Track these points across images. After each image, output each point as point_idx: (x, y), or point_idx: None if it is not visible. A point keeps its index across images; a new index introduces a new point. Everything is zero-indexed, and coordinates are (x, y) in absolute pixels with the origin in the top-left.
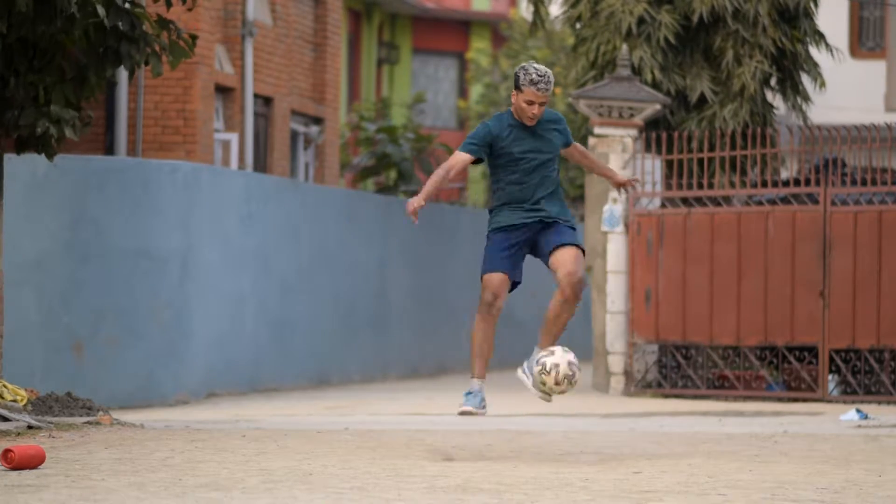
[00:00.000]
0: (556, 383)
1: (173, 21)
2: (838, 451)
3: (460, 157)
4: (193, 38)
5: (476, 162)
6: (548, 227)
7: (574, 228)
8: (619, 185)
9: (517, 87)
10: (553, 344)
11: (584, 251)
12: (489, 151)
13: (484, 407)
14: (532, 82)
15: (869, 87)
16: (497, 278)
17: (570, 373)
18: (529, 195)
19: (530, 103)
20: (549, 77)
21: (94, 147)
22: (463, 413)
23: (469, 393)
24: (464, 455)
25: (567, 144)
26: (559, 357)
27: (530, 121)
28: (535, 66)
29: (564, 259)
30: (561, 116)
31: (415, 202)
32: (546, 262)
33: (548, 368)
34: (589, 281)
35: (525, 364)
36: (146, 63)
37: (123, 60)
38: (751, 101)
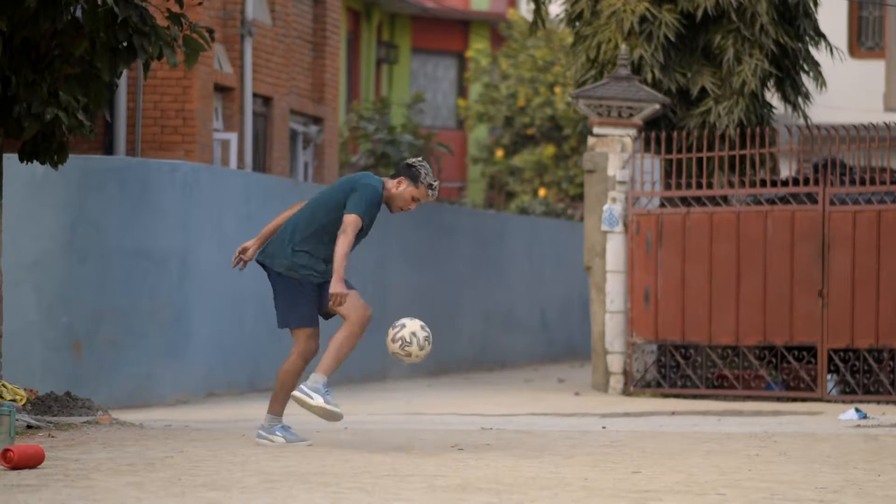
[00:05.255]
0: (421, 348)
1: (185, 15)
2: (837, 451)
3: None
4: (210, 31)
5: None
6: (326, 287)
7: None
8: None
9: (413, 181)
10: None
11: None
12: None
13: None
14: (430, 186)
15: (868, 86)
16: (313, 331)
17: (426, 333)
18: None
19: (416, 200)
20: (438, 187)
21: (93, 147)
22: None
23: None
24: (463, 455)
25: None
26: (409, 326)
27: (398, 210)
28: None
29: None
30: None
31: (341, 292)
32: (322, 314)
33: (408, 339)
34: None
35: (304, 385)
36: (159, 57)
37: (138, 53)
38: (750, 99)
